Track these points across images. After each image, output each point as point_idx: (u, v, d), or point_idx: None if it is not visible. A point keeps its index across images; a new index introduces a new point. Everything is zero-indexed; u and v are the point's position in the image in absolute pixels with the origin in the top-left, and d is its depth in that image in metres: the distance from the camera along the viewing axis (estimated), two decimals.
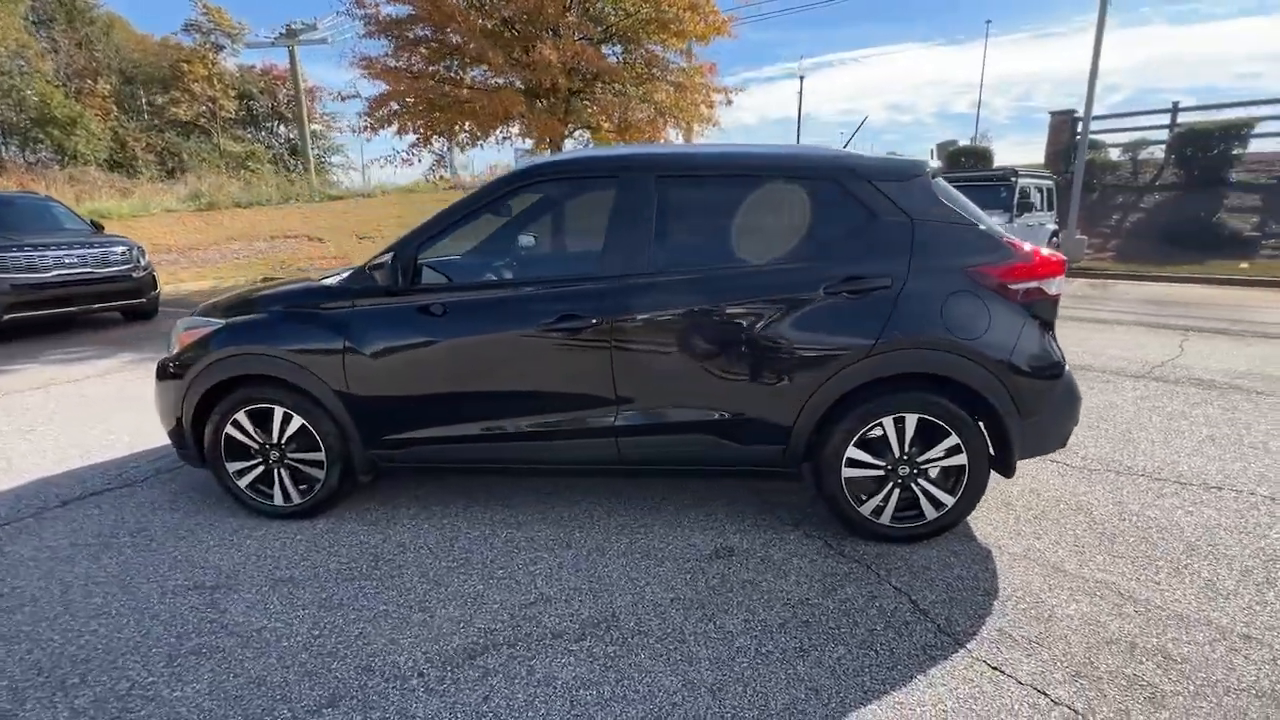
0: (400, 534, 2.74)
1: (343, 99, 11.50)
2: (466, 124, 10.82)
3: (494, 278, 2.93)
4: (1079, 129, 16.18)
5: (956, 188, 2.64)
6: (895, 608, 2.21)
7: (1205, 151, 14.01)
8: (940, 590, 2.29)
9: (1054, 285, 2.45)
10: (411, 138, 11.64)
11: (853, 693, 1.83)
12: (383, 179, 21.29)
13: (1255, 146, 13.93)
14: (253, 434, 2.76)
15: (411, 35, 11.09)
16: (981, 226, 2.48)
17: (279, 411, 2.72)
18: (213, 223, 16.47)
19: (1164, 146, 15.24)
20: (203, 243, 14.87)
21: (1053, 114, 16.98)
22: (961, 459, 2.46)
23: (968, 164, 17.49)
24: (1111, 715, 1.74)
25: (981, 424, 2.46)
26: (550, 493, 3.10)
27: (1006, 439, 2.44)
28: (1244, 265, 11.28)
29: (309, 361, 2.64)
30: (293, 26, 21.51)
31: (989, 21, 45.07)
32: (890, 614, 2.17)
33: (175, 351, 2.81)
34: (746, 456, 2.57)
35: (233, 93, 28.77)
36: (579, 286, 2.53)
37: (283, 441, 2.76)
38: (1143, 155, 15.58)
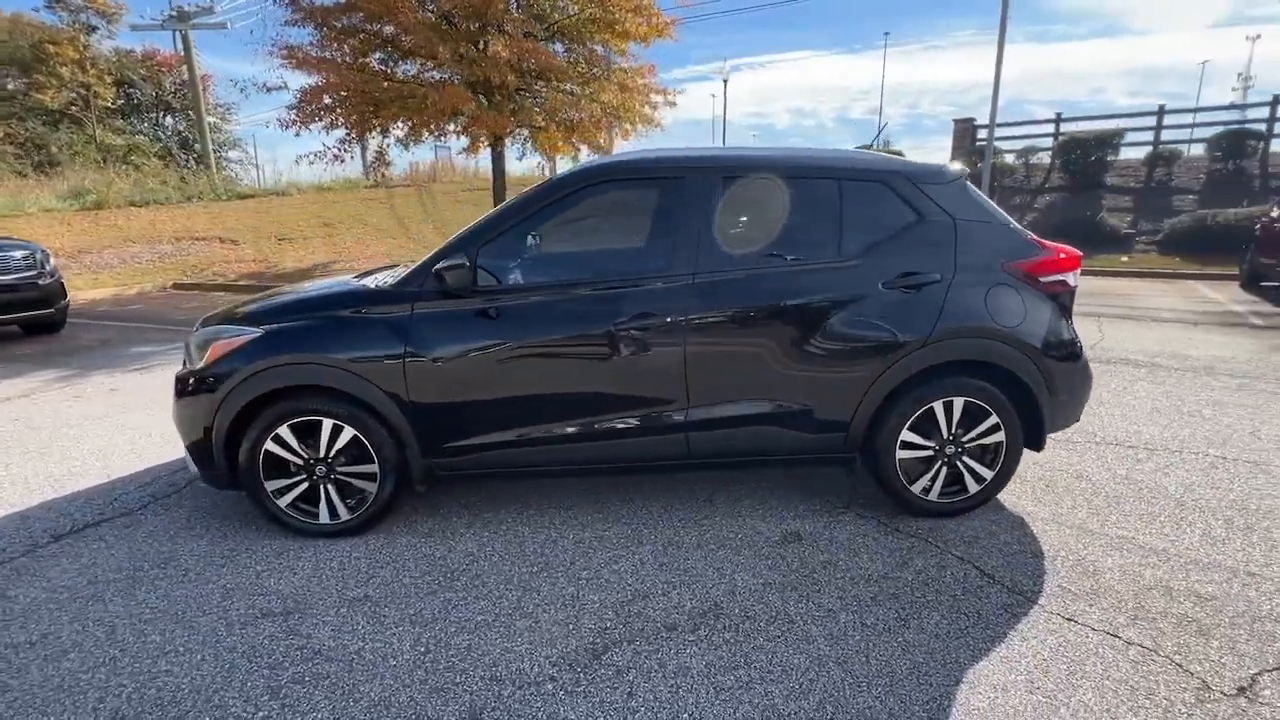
0: (463, 544, 2.67)
1: (268, 90, 10.58)
2: (410, 119, 10.36)
3: (558, 277, 2.86)
4: (978, 135, 17.86)
5: None
6: (965, 574, 2.41)
7: (1085, 158, 15.79)
8: (996, 556, 2.53)
9: (1072, 277, 2.75)
10: (340, 133, 11.02)
11: (962, 652, 2.00)
12: (294, 176, 19.82)
13: (1125, 154, 15.87)
14: (297, 449, 2.59)
15: (340, 25, 10.50)
16: (1011, 226, 2.75)
17: (328, 423, 2.57)
18: (103, 223, 14.84)
19: (1050, 153, 17.01)
20: (94, 245, 13.37)
21: (956, 121, 18.53)
22: (1000, 436, 2.71)
23: None
24: (1176, 648, 2.00)
25: (1016, 403, 2.72)
26: (600, 492, 3.10)
27: (1039, 416, 2.71)
28: (1124, 259, 12.82)
29: (366, 369, 2.51)
30: (185, 9, 19.66)
31: (887, 34, 48.13)
32: (963, 581, 2.37)
33: (203, 365, 2.58)
34: (811, 445, 2.71)
35: (109, 79, 25.83)
36: (652, 285, 2.57)
37: (331, 455, 2.61)
38: (1033, 160, 17.29)
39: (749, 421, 2.65)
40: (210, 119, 24.40)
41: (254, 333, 2.56)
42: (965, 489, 2.77)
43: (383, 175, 11.84)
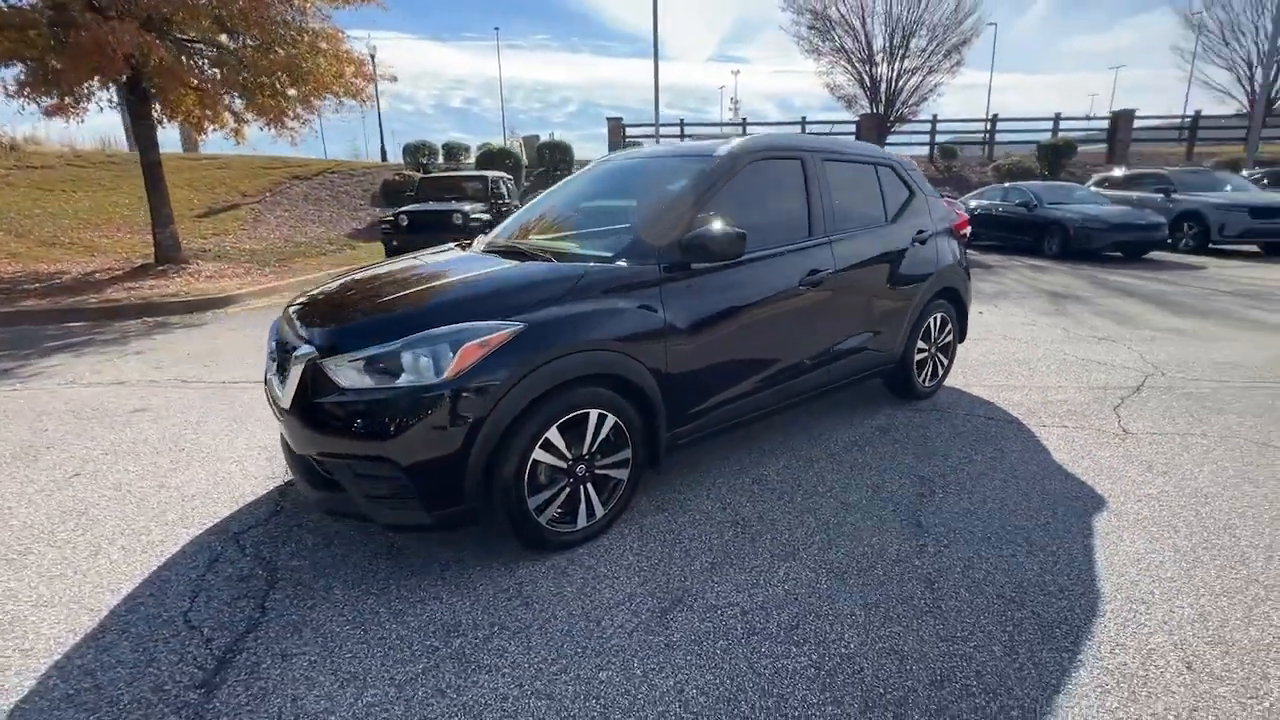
0: (698, 505, 2.77)
1: None
2: (40, 63, 6.98)
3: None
4: (628, 132, 21.08)
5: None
6: (984, 423, 3.74)
7: None
8: (979, 410, 3.96)
9: (968, 231, 4.35)
10: None
11: (1041, 455, 3.27)
12: None
13: None
14: (564, 451, 2.30)
15: None
16: (941, 198, 4.17)
17: (594, 414, 2.35)
18: None
19: None
20: None
21: (609, 119, 21.56)
22: (951, 336, 4.17)
23: (553, 155, 20.68)
24: (1089, 424, 3.69)
25: (956, 311, 4.19)
26: (728, 442, 3.44)
27: (966, 318, 4.26)
28: None
29: (635, 348, 2.41)
30: None
31: (497, 28, 50.30)
32: (991, 424, 3.70)
33: (450, 374, 2.03)
34: (880, 360, 3.68)
35: None
36: (811, 245, 3.11)
37: (593, 450, 2.39)
38: None
39: (855, 351, 3.47)
40: None
41: (517, 326, 2.14)
42: (937, 374, 4.16)
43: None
